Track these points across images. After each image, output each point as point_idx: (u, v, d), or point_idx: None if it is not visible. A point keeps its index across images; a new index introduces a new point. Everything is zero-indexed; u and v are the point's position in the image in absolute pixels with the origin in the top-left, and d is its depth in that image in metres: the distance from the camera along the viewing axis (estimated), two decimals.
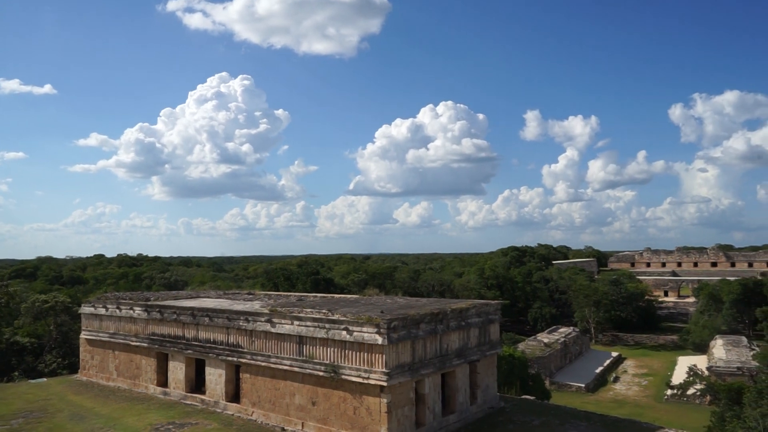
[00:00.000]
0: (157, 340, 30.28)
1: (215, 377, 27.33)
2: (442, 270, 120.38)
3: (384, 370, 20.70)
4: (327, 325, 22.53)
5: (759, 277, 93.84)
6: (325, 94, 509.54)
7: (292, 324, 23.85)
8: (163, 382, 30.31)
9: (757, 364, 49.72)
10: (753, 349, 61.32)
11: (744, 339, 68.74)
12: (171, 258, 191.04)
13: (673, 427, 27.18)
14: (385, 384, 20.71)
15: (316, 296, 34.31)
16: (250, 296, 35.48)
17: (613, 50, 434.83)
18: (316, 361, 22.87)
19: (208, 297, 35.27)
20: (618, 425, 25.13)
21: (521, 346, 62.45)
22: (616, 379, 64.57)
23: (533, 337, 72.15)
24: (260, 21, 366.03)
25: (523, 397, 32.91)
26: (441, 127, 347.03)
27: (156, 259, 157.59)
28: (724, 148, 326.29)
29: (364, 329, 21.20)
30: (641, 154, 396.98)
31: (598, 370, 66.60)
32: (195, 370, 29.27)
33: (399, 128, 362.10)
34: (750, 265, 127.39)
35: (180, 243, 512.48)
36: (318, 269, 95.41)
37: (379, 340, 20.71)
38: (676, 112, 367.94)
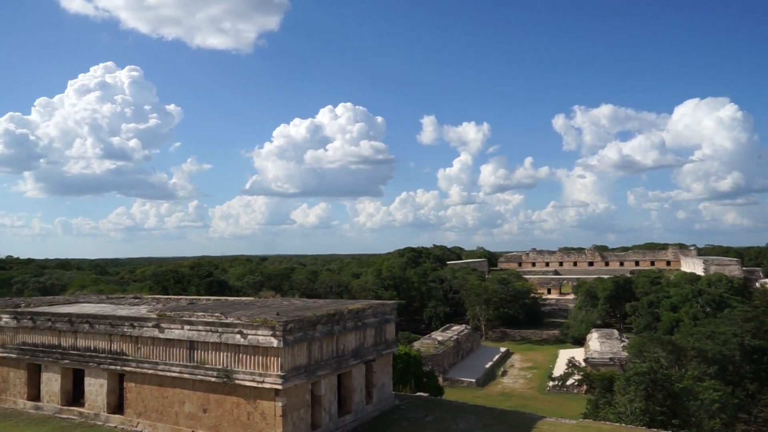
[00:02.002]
0: (28, 351, 27.77)
1: (96, 387, 25.55)
2: (340, 271, 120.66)
3: (279, 373, 20.39)
4: (220, 329, 21.81)
5: (629, 275, 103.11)
6: (220, 90, 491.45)
7: (182, 329, 22.83)
8: (35, 395, 27.85)
9: (627, 354, 54.56)
10: (623, 341, 67.06)
11: (616, 332, 75.00)
12: (47, 260, 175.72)
13: (554, 416, 29.06)
14: (280, 387, 20.40)
15: (209, 299, 33.05)
16: (137, 300, 33.55)
17: (504, 61, 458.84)
18: (207, 366, 22.06)
19: (89, 302, 32.92)
20: (504, 417, 26.52)
21: (416, 344, 64.01)
22: (504, 373, 68.06)
23: (428, 335, 74.21)
24: (149, 10, 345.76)
25: (418, 394, 33.73)
26: (340, 129, 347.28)
27: (29, 261, 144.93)
28: (600, 157, 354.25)
29: (259, 332, 20.76)
30: (528, 160, 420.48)
31: (487, 366, 69.82)
32: (73, 381, 27.20)
33: (297, 128, 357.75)
34: (621, 264, 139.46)
35: (57, 244, 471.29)
36: (212, 271, 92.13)
37: (275, 342, 20.37)
38: (558, 122, 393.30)
